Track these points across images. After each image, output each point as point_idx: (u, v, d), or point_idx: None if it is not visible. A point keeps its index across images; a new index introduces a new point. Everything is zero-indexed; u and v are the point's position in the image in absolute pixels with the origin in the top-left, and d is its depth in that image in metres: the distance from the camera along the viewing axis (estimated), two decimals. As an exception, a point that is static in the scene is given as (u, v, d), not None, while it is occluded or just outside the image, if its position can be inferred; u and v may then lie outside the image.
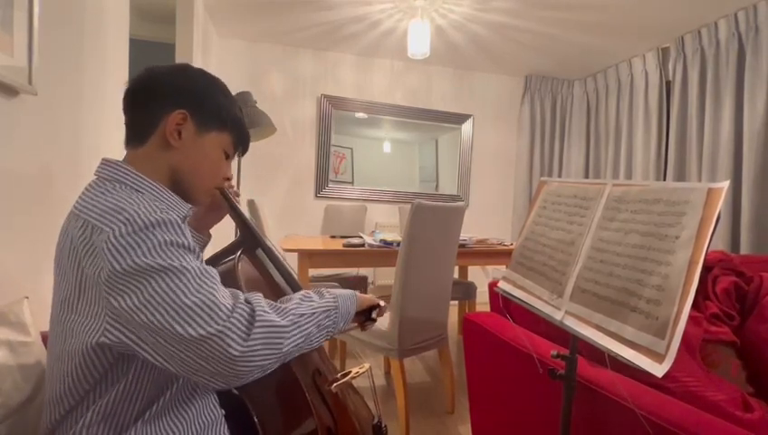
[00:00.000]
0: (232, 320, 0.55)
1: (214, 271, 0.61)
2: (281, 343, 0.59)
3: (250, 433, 0.74)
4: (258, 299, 0.62)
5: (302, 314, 0.65)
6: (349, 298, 0.77)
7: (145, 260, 0.54)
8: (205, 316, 0.54)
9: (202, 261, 0.64)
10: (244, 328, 0.56)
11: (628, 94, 3.41)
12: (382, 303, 0.87)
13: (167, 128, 0.68)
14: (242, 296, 0.61)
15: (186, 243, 0.59)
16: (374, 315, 0.86)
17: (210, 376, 0.56)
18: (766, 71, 2.42)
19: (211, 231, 0.95)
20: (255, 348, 0.56)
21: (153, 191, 0.67)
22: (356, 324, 0.84)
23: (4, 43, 0.95)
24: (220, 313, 0.55)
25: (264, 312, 0.59)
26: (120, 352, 0.58)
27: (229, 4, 2.82)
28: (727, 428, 0.65)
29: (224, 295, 0.58)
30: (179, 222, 0.60)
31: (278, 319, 0.60)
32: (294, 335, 0.62)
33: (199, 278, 0.57)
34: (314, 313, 0.67)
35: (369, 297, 0.85)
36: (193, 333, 0.53)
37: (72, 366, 0.59)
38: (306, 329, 0.65)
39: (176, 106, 0.68)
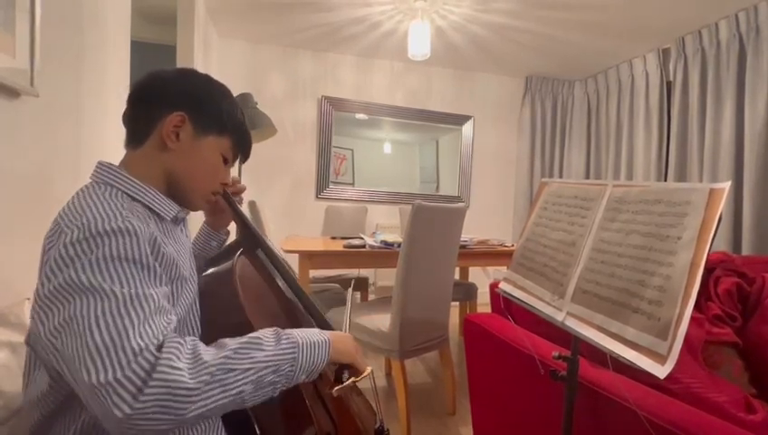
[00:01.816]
0: (127, 372, 0.47)
1: (152, 296, 0.54)
2: (183, 409, 0.49)
3: None
4: (176, 345, 0.51)
5: (231, 371, 0.53)
6: (316, 346, 0.64)
7: (79, 275, 0.51)
8: (105, 359, 0.47)
9: (173, 267, 0.63)
10: (137, 384, 0.46)
11: (628, 95, 3.41)
12: (368, 370, 0.73)
13: (164, 129, 0.68)
14: (161, 337, 0.51)
15: (137, 256, 0.55)
16: (346, 379, 0.72)
17: (105, 424, 0.48)
18: (767, 71, 2.42)
19: (226, 241, 0.97)
20: (147, 411, 0.46)
21: (142, 194, 0.66)
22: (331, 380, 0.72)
23: (6, 44, 0.96)
24: (122, 358, 0.47)
25: (170, 367, 0.48)
26: None
27: (230, 6, 2.83)
28: (730, 429, 0.65)
29: (141, 334, 0.49)
30: (137, 232, 0.56)
31: (187, 379, 0.49)
32: (208, 398, 0.51)
33: (123, 307, 0.50)
34: (253, 368, 0.55)
35: (349, 351, 0.71)
36: (86, 377, 0.46)
37: (39, 373, 0.59)
38: (235, 388, 0.53)
39: (175, 108, 0.68)
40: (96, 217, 0.55)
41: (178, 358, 0.50)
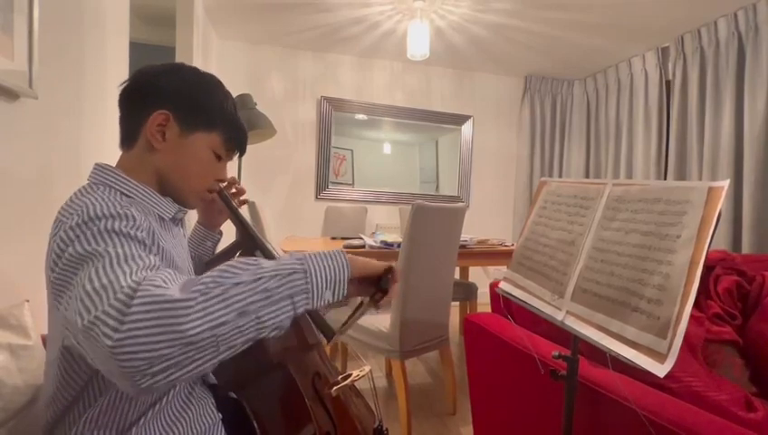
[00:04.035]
0: (111, 302, 0.44)
1: (146, 257, 0.52)
2: (178, 322, 0.44)
3: None
4: (166, 274, 0.49)
5: (236, 283, 0.48)
6: (329, 259, 0.56)
7: (75, 250, 0.51)
8: (94, 300, 0.45)
9: (169, 260, 0.63)
10: (119, 309, 0.43)
11: (628, 94, 3.41)
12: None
13: (148, 129, 0.67)
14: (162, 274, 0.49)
15: (132, 233, 0.54)
16: (384, 284, 0.63)
17: (111, 376, 0.46)
18: (766, 70, 2.41)
19: (220, 241, 0.97)
20: (136, 332, 0.43)
21: (140, 194, 0.67)
22: (360, 300, 0.65)
23: (5, 46, 0.96)
24: (109, 295, 0.45)
25: (152, 286, 0.45)
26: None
27: (229, 7, 2.83)
28: (730, 428, 0.65)
29: (134, 277, 0.47)
30: (135, 218, 0.56)
31: (171, 292, 0.45)
32: (207, 310, 0.45)
33: (116, 263, 0.49)
34: (259, 278, 0.50)
35: (368, 261, 0.63)
36: (79, 323, 0.45)
37: (56, 370, 0.60)
38: (240, 301, 0.48)
39: (158, 106, 0.67)
40: (95, 204, 0.56)
41: (164, 281, 0.47)
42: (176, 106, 0.68)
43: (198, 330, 0.44)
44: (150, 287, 0.45)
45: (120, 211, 0.56)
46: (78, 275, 0.50)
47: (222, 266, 0.51)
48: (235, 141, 0.76)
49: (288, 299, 0.51)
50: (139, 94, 0.69)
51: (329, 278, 0.55)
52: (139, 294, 0.44)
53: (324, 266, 0.55)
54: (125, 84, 0.70)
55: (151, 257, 0.53)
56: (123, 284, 0.46)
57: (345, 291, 0.57)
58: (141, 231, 0.56)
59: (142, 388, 0.44)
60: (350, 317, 0.67)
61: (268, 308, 0.49)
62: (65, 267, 0.52)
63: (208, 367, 0.47)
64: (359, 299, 0.66)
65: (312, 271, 0.54)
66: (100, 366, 0.47)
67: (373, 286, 0.64)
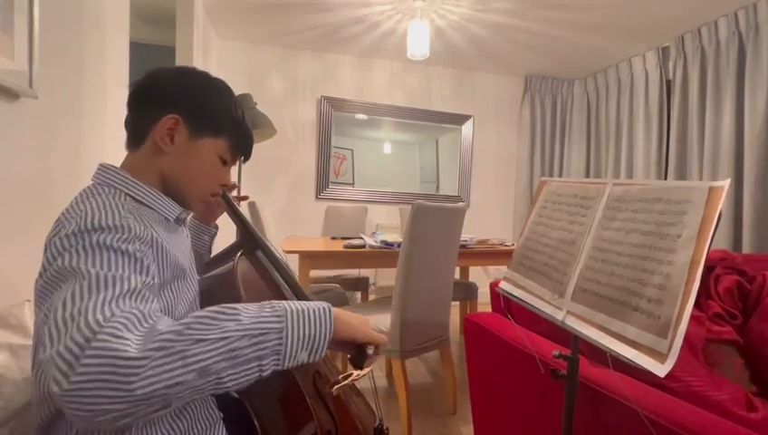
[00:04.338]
0: (67, 341, 0.43)
1: (128, 280, 0.51)
2: (126, 383, 0.42)
3: None
4: (131, 316, 0.46)
5: (198, 341, 0.46)
6: (311, 316, 0.53)
7: (63, 264, 0.51)
8: (60, 331, 0.44)
9: (175, 269, 0.63)
10: (74, 354, 0.42)
11: (628, 94, 3.41)
12: (383, 339, 0.63)
13: (157, 132, 0.67)
14: (124, 312, 0.47)
15: (123, 248, 0.53)
16: (370, 352, 0.62)
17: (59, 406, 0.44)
18: (767, 69, 2.41)
19: (216, 234, 0.97)
20: (85, 385, 0.41)
21: (145, 195, 0.67)
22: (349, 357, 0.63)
23: (5, 46, 0.96)
24: (70, 330, 0.44)
25: (112, 336, 0.43)
26: None
27: (229, 7, 2.83)
28: (731, 427, 0.64)
29: (104, 310, 0.46)
30: (131, 230, 0.56)
31: (130, 347, 0.43)
32: (160, 371, 0.43)
33: (94, 286, 0.48)
34: (224, 339, 0.47)
35: (357, 325, 0.60)
36: (41, 351, 0.44)
37: (42, 373, 0.60)
38: (198, 361, 0.45)
39: (169, 110, 0.67)
40: (95, 213, 0.56)
41: (127, 328, 0.45)
42: (186, 111, 0.68)
43: (148, 390, 0.43)
44: (108, 338, 0.43)
45: (118, 223, 0.56)
46: (59, 290, 0.49)
47: (195, 315, 0.49)
48: (242, 147, 0.77)
49: (255, 361, 0.49)
50: (149, 97, 0.69)
51: (308, 339, 0.53)
52: (94, 342, 0.43)
53: (305, 325, 0.52)
54: (135, 86, 0.70)
55: (136, 277, 0.52)
56: (90, 319, 0.44)
57: (324, 352, 0.55)
58: (134, 243, 0.55)
59: (92, 427, 0.44)
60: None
61: (232, 370, 0.47)
62: (50, 279, 0.52)
63: (161, 414, 0.47)
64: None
65: (290, 329, 0.51)
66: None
67: (352, 349, 0.62)
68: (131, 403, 0.43)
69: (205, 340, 0.46)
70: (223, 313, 0.50)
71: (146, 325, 0.47)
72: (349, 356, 0.64)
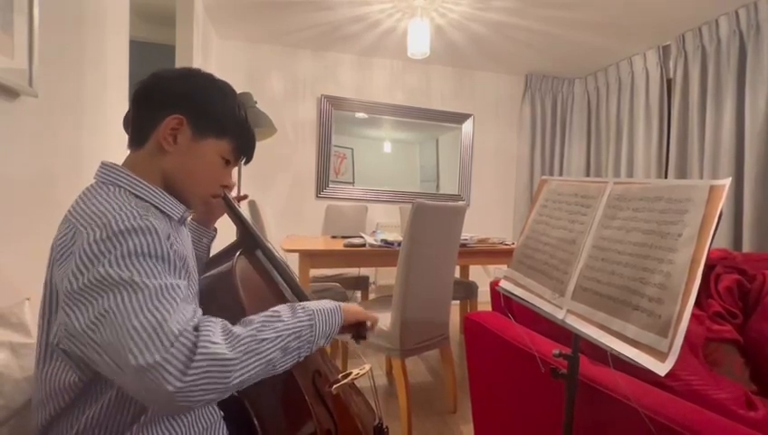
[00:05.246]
0: (172, 351, 0.51)
1: (179, 286, 0.58)
2: (227, 377, 0.54)
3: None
4: (210, 325, 0.57)
5: (263, 340, 0.59)
6: (329, 313, 0.71)
7: (108, 270, 0.54)
8: (148, 342, 0.51)
9: (185, 264, 0.65)
10: (183, 361, 0.51)
11: (628, 92, 3.40)
12: (370, 321, 0.83)
13: (160, 132, 0.68)
14: (195, 320, 0.57)
15: (159, 252, 0.58)
16: (369, 324, 0.83)
17: (151, 404, 0.57)
18: (767, 68, 2.41)
19: (215, 238, 0.97)
20: (196, 383, 0.51)
21: (150, 194, 0.67)
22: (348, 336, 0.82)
23: (5, 45, 0.96)
24: (164, 340, 0.51)
25: (210, 342, 0.54)
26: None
27: (229, 6, 2.82)
28: (731, 426, 0.65)
29: (178, 320, 0.54)
30: (156, 229, 0.59)
31: (225, 350, 0.55)
32: (246, 366, 0.57)
33: (156, 298, 0.54)
34: (279, 336, 0.62)
35: (357, 310, 0.80)
36: (132, 361, 0.50)
37: (50, 371, 0.60)
38: (266, 356, 0.59)
39: (174, 111, 0.68)
40: (116, 216, 0.57)
41: (214, 334, 0.55)
42: (190, 111, 0.69)
43: (238, 381, 0.56)
44: (208, 344, 0.54)
45: (142, 223, 0.58)
46: (107, 299, 0.53)
47: (256, 325, 0.61)
48: (245, 149, 0.78)
49: (296, 350, 0.65)
50: (153, 97, 0.69)
51: (327, 332, 0.70)
52: (200, 348, 0.53)
53: (326, 320, 0.70)
54: (139, 86, 0.70)
55: (179, 282, 0.59)
56: (174, 329, 0.53)
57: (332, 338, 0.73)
58: (164, 244, 0.59)
59: (179, 413, 0.60)
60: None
61: (283, 359, 0.63)
62: (91, 285, 0.53)
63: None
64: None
65: (318, 325, 0.68)
66: (133, 392, 0.54)
67: (354, 329, 0.81)
68: (224, 392, 0.55)
69: (266, 339, 0.60)
70: (271, 316, 0.64)
71: (220, 329, 0.57)
72: (351, 335, 0.82)
